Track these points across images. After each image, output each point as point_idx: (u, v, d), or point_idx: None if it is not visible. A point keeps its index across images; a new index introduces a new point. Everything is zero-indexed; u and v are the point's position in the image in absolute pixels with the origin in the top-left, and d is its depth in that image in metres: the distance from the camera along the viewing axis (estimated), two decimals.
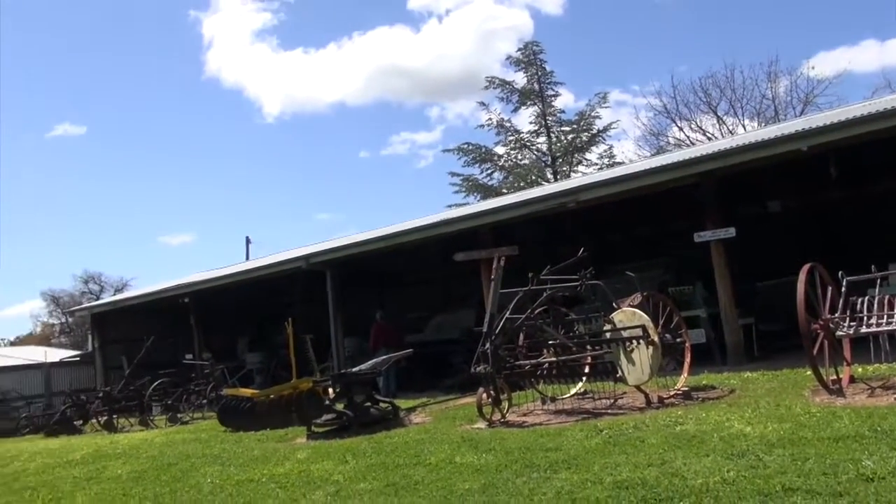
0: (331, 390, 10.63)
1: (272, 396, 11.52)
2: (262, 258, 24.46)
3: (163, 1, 74.92)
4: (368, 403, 9.65)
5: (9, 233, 75.38)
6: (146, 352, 16.14)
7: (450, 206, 32.66)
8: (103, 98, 77.05)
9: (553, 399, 8.75)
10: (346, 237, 19.81)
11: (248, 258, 33.27)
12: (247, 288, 19.07)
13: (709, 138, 30.06)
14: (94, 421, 15.30)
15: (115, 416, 14.69)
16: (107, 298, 35.35)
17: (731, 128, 31.49)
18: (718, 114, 32.33)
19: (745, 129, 30.12)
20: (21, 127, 74.80)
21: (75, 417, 15.59)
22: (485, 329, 8.55)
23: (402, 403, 10.51)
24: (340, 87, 74.51)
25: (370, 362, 10.47)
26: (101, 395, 15.61)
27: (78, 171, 78.09)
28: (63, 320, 51.39)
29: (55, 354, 25.95)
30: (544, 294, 8.81)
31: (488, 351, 8.30)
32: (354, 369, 10.19)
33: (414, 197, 77.70)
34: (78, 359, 24.11)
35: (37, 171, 77.15)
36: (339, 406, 9.50)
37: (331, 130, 76.88)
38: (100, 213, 79.23)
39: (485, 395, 8.16)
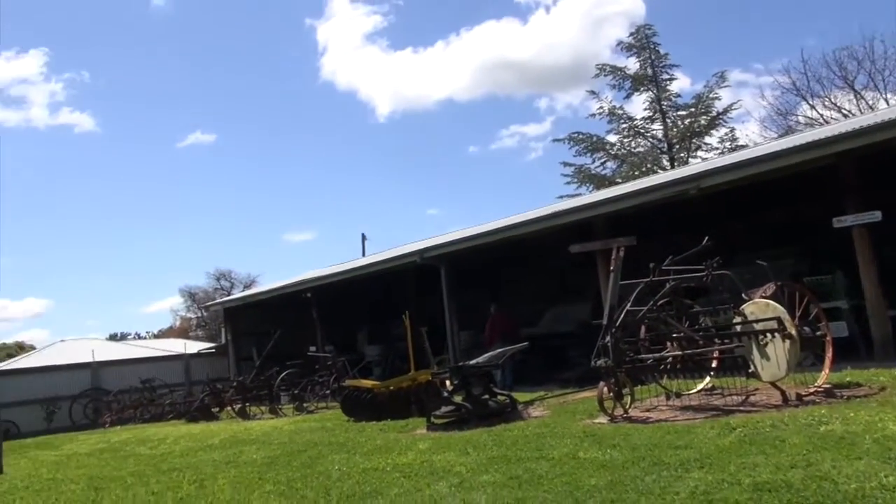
0: (448, 382, 10.76)
1: (392, 388, 11.81)
2: (378, 254, 25.15)
3: (281, 12, 78.55)
4: (486, 396, 9.67)
5: (149, 237, 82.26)
6: (274, 344, 17.04)
7: (561, 198, 32.14)
8: (230, 107, 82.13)
9: (678, 395, 8.40)
10: (458, 231, 19.99)
11: (363, 254, 34.38)
12: (364, 282, 19.70)
13: (845, 115, 27.73)
14: (228, 408, 16.34)
15: (247, 405, 15.60)
16: (237, 294, 37.62)
17: (871, 103, 28.92)
18: (856, 88, 29.79)
19: (887, 103, 27.58)
20: (156, 138, 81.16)
21: (212, 405, 16.71)
22: (604, 322, 8.33)
23: (520, 397, 10.46)
24: (448, 84, 75.40)
25: (487, 355, 10.47)
26: (234, 384, 16.64)
27: (209, 177, 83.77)
28: (199, 315, 55.29)
29: (193, 346, 27.95)
30: (667, 285, 8.45)
31: (608, 344, 8.08)
32: (472, 362, 10.24)
33: (524, 190, 77.33)
34: (213, 350, 25.85)
35: (171, 178, 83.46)
36: (458, 398, 9.58)
37: (440, 127, 77.94)
38: (229, 215, 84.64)
39: (606, 390, 7.95)
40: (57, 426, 19.41)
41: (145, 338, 53.33)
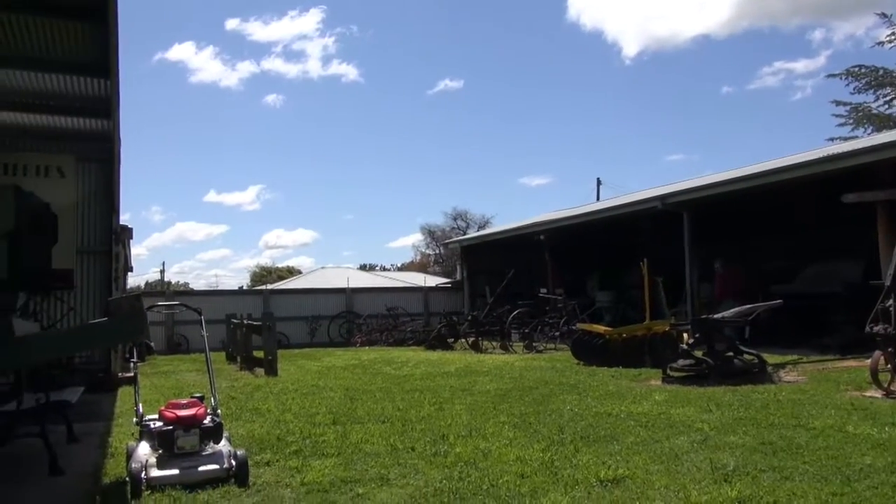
0: (687, 335, 10.16)
1: (625, 335, 11.48)
2: (614, 198, 24.36)
3: None
4: (731, 353, 8.96)
5: (397, 177, 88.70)
6: (506, 283, 17.49)
7: (832, 140, 28.21)
8: (477, 53, 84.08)
9: None
10: (704, 177, 18.53)
11: (598, 199, 33.60)
12: (598, 227, 19.25)
13: None
14: (462, 340, 17.22)
15: (480, 339, 16.30)
16: (473, 233, 39.19)
17: None
18: None
19: None
20: (409, 86, 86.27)
21: (448, 336, 17.73)
22: (886, 283, 7.16)
23: (770, 358, 9.52)
24: (705, 19, 69.38)
25: (734, 310, 9.65)
26: (469, 318, 17.46)
27: (453, 122, 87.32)
28: (436, 251, 58.90)
29: (431, 280, 29.88)
30: None
31: (890, 308, 6.95)
32: (717, 315, 9.52)
33: (784, 135, 69.72)
34: (449, 285, 27.36)
35: (420, 124, 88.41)
36: (698, 353, 9.00)
37: (691, 67, 72.58)
38: (470, 159, 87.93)
39: (882, 360, 6.89)
40: (317, 341, 22.08)
41: (390, 270, 58.22)
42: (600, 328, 12.26)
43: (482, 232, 34.31)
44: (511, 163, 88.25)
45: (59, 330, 5.92)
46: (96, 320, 3.66)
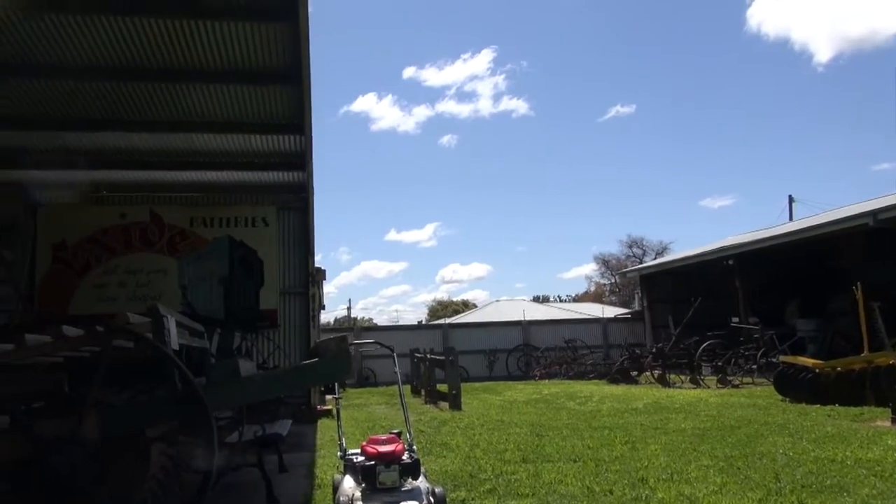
0: None
1: (839, 369, 10.28)
2: (810, 217, 22.18)
3: None
4: None
5: (568, 207, 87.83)
6: (693, 312, 16.46)
7: None
8: (649, 75, 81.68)
9: None
10: None
11: (790, 218, 30.82)
12: (795, 249, 17.56)
13: None
14: (647, 373, 16.42)
15: (666, 372, 15.43)
16: (651, 262, 37.60)
17: None
18: None
19: None
20: (579, 115, 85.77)
21: (631, 369, 17.00)
22: None
23: None
24: None
25: None
26: (653, 350, 16.62)
27: (625, 147, 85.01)
28: (612, 281, 57.20)
29: (609, 311, 28.96)
30: None
31: None
32: None
33: None
34: (629, 316, 26.37)
35: (590, 152, 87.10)
36: None
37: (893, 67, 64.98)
38: (643, 184, 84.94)
39: None
40: (496, 374, 22.20)
41: (565, 301, 57.44)
42: (808, 361, 11.07)
43: (663, 259, 32.79)
44: (690, 185, 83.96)
45: (277, 370, 6.47)
46: (308, 361, 3.89)
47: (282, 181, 11.06)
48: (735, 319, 16.68)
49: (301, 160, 9.99)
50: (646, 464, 5.95)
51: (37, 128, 8.39)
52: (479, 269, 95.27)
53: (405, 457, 4.67)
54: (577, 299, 57.52)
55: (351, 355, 3.82)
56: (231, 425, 5.78)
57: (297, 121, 8.57)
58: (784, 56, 73.98)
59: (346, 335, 3.98)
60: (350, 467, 4.79)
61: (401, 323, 41.79)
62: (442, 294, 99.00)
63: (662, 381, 15.14)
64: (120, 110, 8.15)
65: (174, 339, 3.73)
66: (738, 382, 14.25)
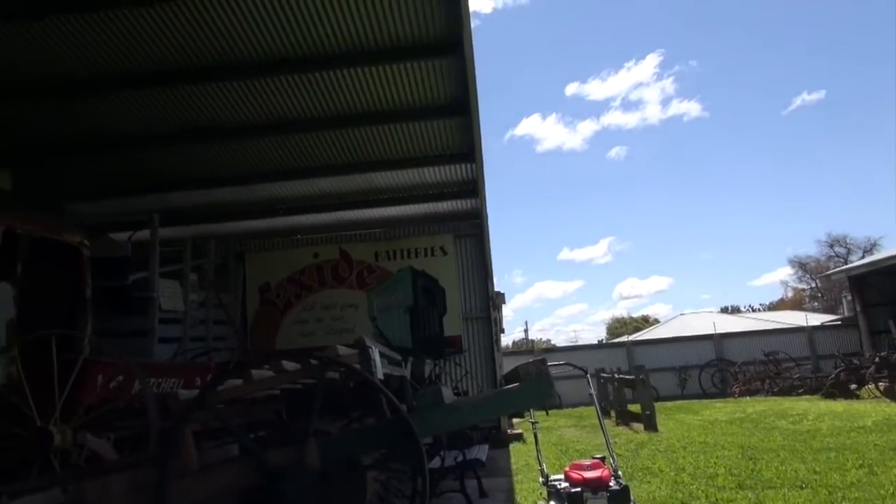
0: None
1: None
2: None
3: None
4: None
5: (752, 209, 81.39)
6: None
7: None
8: (838, 54, 74.21)
9: None
10: None
11: None
12: None
13: None
14: (869, 386, 14.57)
15: (895, 384, 13.59)
16: (860, 260, 33.65)
17: None
18: None
19: None
20: (759, 110, 79.58)
21: (849, 381, 15.19)
22: None
23: None
24: None
25: None
26: (876, 360, 14.74)
27: (815, 138, 77.47)
28: (812, 285, 51.94)
29: (813, 318, 26.23)
30: None
31: None
32: None
33: None
34: (839, 323, 23.69)
35: (774, 148, 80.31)
36: None
37: None
38: (840, 176, 76.63)
39: None
40: (688, 392, 20.90)
41: (758, 310, 53.01)
42: None
43: (875, 257, 29.14)
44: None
45: (479, 396, 6.58)
46: (509, 386, 3.87)
47: (457, 209, 11.34)
48: None
49: (474, 187, 10.18)
50: (892, 491, 5.20)
51: (235, 183, 9.33)
52: (659, 282, 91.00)
53: (612, 483, 4.47)
54: (773, 307, 52.83)
55: (551, 378, 3.74)
56: (431, 451, 5.92)
57: (467, 150, 8.77)
58: None
59: (545, 357, 3.90)
60: (554, 494, 4.66)
61: (580, 343, 40.98)
62: (620, 311, 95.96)
63: (890, 395, 13.33)
64: (308, 158, 8.84)
65: (379, 369, 3.89)
66: None
